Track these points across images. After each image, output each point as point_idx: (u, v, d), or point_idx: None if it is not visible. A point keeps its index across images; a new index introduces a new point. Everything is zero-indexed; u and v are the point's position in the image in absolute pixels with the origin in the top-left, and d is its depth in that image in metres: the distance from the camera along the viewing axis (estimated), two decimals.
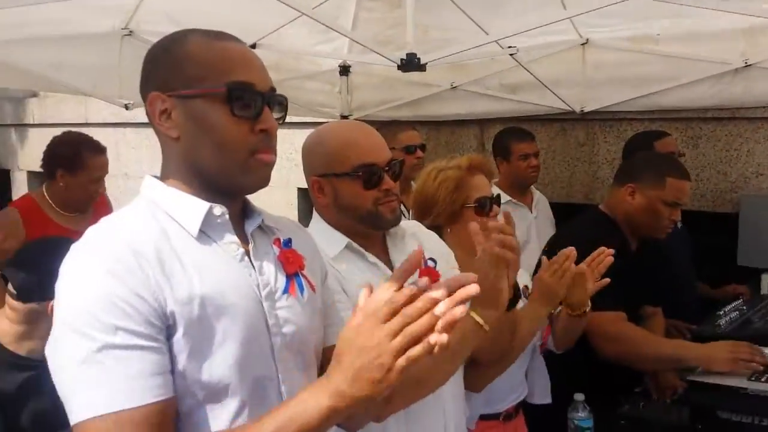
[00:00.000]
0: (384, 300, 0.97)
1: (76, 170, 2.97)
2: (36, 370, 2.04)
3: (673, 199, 2.46)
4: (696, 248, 3.39)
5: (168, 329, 1.08)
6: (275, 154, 1.21)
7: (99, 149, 3.05)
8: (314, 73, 4.07)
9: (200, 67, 1.16)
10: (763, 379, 2.07)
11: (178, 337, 1.08)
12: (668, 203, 2.45)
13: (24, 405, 2.00)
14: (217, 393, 1.13)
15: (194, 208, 1.18)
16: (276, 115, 1.22)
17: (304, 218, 5.56)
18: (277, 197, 5.42)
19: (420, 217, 2.09)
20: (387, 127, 3.45)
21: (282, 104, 1.24)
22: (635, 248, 2.59)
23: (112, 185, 6.84)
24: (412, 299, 0.96)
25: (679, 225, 3.30)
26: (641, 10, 3.22)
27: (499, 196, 2.14)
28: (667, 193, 2.45)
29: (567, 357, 2.28)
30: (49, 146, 3.05)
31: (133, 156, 6.63)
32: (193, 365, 1.10)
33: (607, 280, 2.02)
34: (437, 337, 0.94)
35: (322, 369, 1.28)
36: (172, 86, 1.18)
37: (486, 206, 2.04)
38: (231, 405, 1.14)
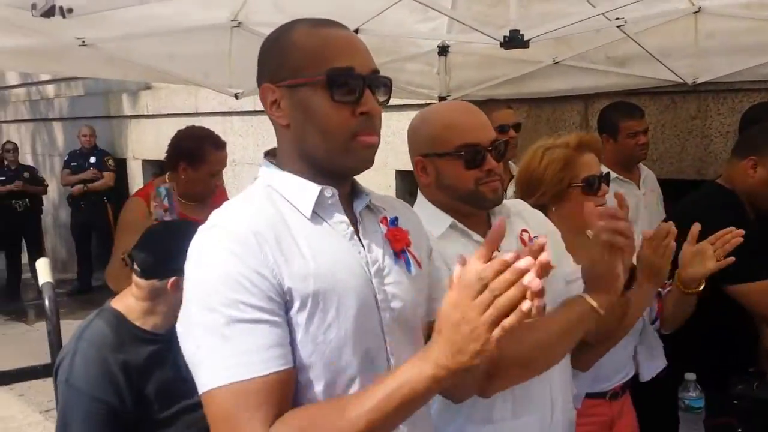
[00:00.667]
0: (473, 275, 1.02)
1: (198, 164, 3.10)
2: (160, 344, 2.19)
3: None
4: None
5: (286, 304, 1.16)
6: (378, 136, 1.25)
7: (220, 145, 3.18)
8: (414, 54, 4.07)
9: (303, 57, 1.23)
10: None
11: (295, 311, 1.16)
12: None
13: (150, 376, 2.14)
14: (331, 364, 1.19)
15: (307, 190, 1.24)
16: (381, 97, 1.25)
17: (402, 200, 5.61)
18: (376, 179, 5.48)
19: (525, 195, 2.08)
20: (482, 106, 3.41)
21: (386, 86, 1.28)
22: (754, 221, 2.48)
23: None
24: (500, 272, 1.00)
25: None
26: None
27: (608, 174, 2.09)
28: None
29: (678, 336, 2.22)
30: (173, 139, 3.19)
31: (240, 143, 6.88)
32: (309, 338, 1.17)
33: (732, 258, 1.94)
34: (528, 305, 0.97)
35: (426, 341, 1.33)
36: (281, 77, 1.25)
37: (594, 185, 2.01)
38: (344, 375, 1.21)
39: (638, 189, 3.48)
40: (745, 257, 1.91)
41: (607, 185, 2.04)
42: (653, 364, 2.25)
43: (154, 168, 8.06)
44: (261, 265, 1.14)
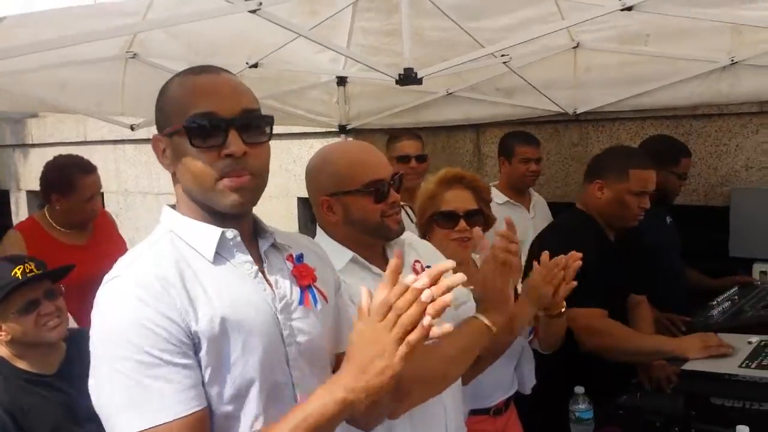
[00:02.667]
0: (380, 301, 1.11)
1: (68, 193, 3.10)
2: (47, 385, 2.21)
3: (639, 188, 2.57)
4: (689, 241, 3.47)
5: (195, 346, 1.18)
6: (250, 175, 1.25)
7: (87, 169, 3.16)
8: (313, 84, 4.15)
9: (172, 106, 1.27)
10: (753, 366, 2.16)
11: (203, 353, 1.19)
12: (635, 193, 2.57)
13: (38, 417, 2.14)
14: (238, 400, 1.23)
15: (208, 234, 1.28)
16: (255, 137, 1.26)
17: (304, 226, 5.65)
18: (277, 206, 5.50)
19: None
20: (390, 136, 3.56)
21: (260, 125, 1.27)
22: (614, 238, 2.69)
23: (112, 201, 6.96)
24: (402, 293, 1.09)
25: (668, 220, 3.40)
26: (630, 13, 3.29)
27: (475, 211, 2.15)
28: (632, 184, 2.56)
29: (563, 353, 2.36)
30: (42, 173, 3.18)
31: (133, 172, 6.71)
32: (217, 376, 1.20)
33: (574, 283, 2.00)
34: (429, 320, 1.07)
35: (334, 373, 1.38)
36: (162, 126, 1.29)
37: (450, 219, 2.12)
38: (250, 410, 1.24)
39: (528, 212, 3.70)
40: (580, 283, 2.01)
41: (474, 224, 2.10)
42: (531, 381, 2.38)
43: (39, 199, 7.70)
44: (168, 309, 1.16)
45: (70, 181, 3.09)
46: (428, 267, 1.81)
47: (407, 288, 1.09)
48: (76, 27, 2.23)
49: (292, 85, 3.98)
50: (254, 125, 1.27)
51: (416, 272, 1.78)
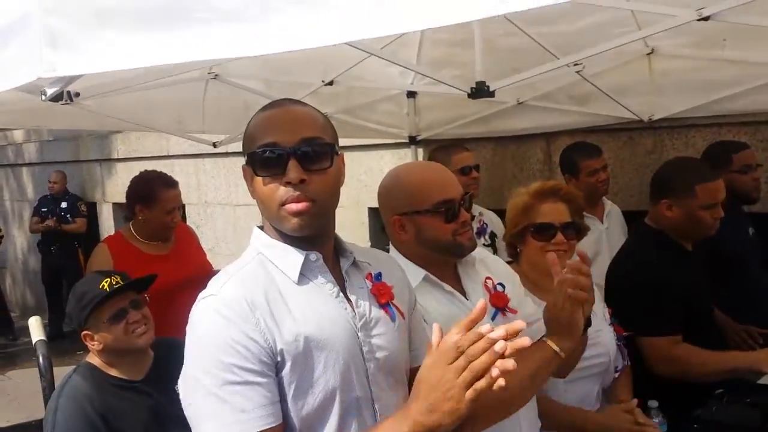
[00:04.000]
0: (451, 343, 1.17)
1: (151, 204, 3.31)
2: (136, 391, 2.36)
3: (708, 201, 2.50)
4: None
5: (277, 365, 1.27)
6: (310, 201, 1.32)
7: (170, 183, 3.39)
8: (383, 97, 4.21)
9: (247, 138, 1.38)
10: None
11: (287, 370, 1.27)
12: (705, 207, 2.50)
13: (129, 420, 2.29)
14: (320, 413, 1.31)
15: (293, 257, 1.37)
16: (314, 164, 1.32)
17: (375, 236, 5.71)
18: (349, 216, 5.59)
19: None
20: (444, 151, 3.58)
21: (317, 154, 1.33)
22: (692, 248, 2.64)
23: (193, 212, 7.22)
24: (475, 341, 1.15)
25: (751, 232, 3.29)
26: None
27: (572, 224, 2.19)
28: (700, 199, 2.50)
29: (637, 367, 2.33)
30: (128, 187, 3.42)
31: (213, 184, 6.94)
32: (300, 392, 1.29)
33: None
34: (497, 372, 1.12)
35: (410, 386, 1.43)
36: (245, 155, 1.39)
37: (547, 232, 2.14)
38: (332, 424, 1.32)
39: (601, 223, 3.63)
40: (654, 307, 1.99)
41: (570, 236, 2.14)
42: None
43: (124, 211, 8.06)
44: (252, 330, 1.25)
45: (153, 193, 3.30)
46: (500, 284, 1.85)
47: (480, 336, 1.15)
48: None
49: (363, 99, 4.05)
50: (314, 153, 1.33)
51: (487, 289, 1.82)
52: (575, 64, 3.23)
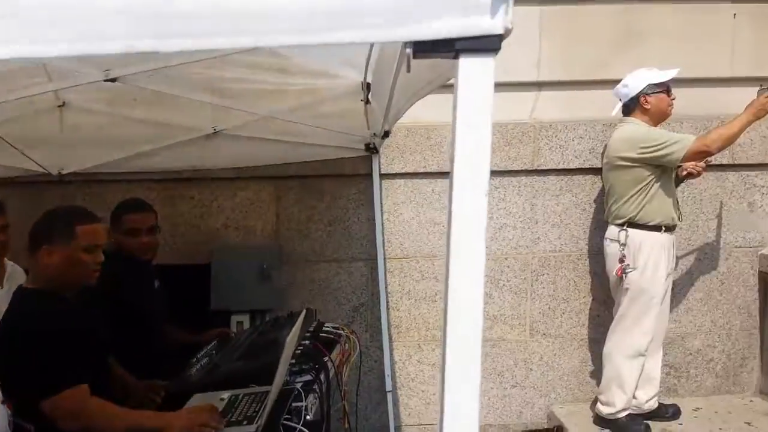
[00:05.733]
0: None
1: None
2: None
3: (89, 243, 2.47)
4: (175, 299, 3.50)
5: None
6: None
7: None
8: None
9: None
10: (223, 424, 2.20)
11: None
12: (87, 249, 2.46)
13: None
14: None
15: None
16: None
17: None
18: None
19: None
20: None
21: None
22: (75, 301, 2.54)
23: None
24: None
25: (156, 284, 3.42)
26: None
27: None
28: (81, 240, 2.45)
29: None
30: None
31: None
32: None
33: None
34: None
35: None
36: None
37: None
38: None
39: (1, 287, 3.18)
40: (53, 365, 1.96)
41: None
42: None
43: None
44: None
45: None
46: None
47: None
48: None
49: None
50: None
51: None
52: None
